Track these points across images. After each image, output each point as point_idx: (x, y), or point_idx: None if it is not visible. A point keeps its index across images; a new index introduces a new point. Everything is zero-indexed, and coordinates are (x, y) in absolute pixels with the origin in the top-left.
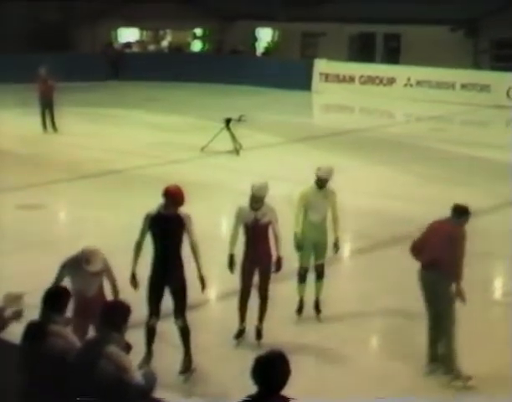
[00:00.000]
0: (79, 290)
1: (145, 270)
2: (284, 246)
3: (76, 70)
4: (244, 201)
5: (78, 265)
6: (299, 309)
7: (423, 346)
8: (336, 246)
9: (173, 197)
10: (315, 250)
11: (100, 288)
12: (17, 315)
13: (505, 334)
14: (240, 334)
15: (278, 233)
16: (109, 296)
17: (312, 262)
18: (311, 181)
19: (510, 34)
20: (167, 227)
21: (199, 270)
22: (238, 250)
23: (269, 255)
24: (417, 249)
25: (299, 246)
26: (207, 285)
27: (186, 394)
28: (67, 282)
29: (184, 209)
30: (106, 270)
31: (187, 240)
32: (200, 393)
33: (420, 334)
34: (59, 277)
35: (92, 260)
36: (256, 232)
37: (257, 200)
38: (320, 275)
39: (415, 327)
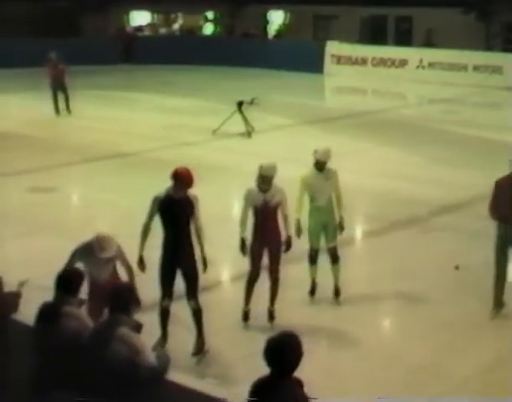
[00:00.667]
0: (92, 275)
1: (155, 252)
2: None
3: (89, 54)
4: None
5: (90, 251)
6: (312, 291)
7: (435, 327)
8: (341, 226)
9: (183, 179)
10: (325, 233)
11: (113, 272)
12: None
13: None
14: (246, 316)
15: (287, 213)
16: (124, 279)
17: (324, 245)
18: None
19: None
20: (177, 209)
21: (202, 251)
22: (247, 232)
23: (279, 236)
24: (491, 208)
25: (299, 232)
26: (219, 266)
27: (199, 376)
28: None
29: (193, 191)
30: (119, 256)
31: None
32: (212, 374)
33: (431, 315)
34: (70, 264)
35: (106, 246)
36: (265, 214)
37: (265, 181)
38: (334, 258)
39: (427, 308)
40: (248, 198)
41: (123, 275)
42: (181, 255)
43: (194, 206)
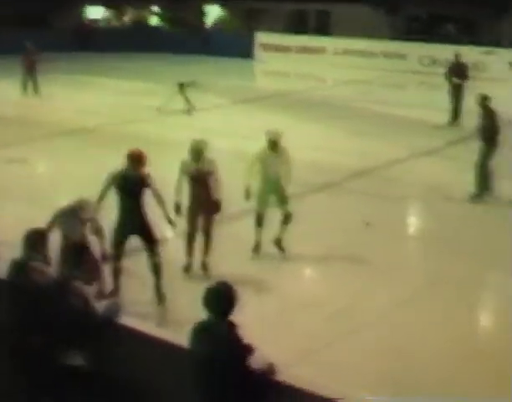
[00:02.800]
0: (66, 234)
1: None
2: (232, 192)
3: (52, 43)
4: None
5: (68, 213)
6: (256, 248)
7: (350, 274)
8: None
9: (137, 159)
10: (276, 199)
11: (84, 234)
12: None
13: (418, 260)
14: (187, 268)
15: (217, 180)
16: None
17: (275, 209)
18: (254, 136)
19: (422, 12)
20: (131, 185)
21: (167, 214)
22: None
23: (210, 200)
24: None
25: (248, 195)
26: (165, 225)
27: (147, 320)
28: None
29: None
30: (94, 219)
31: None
32: (159, 318)
33: (346, 265)
34: (51, 224)
35: (86, 208)
36: (198, 181)
37: (196, 154)
38: (287, 220)
39: (342, 259)
40: (182, 168)
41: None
42: (134, 223)
43: (146, 181)
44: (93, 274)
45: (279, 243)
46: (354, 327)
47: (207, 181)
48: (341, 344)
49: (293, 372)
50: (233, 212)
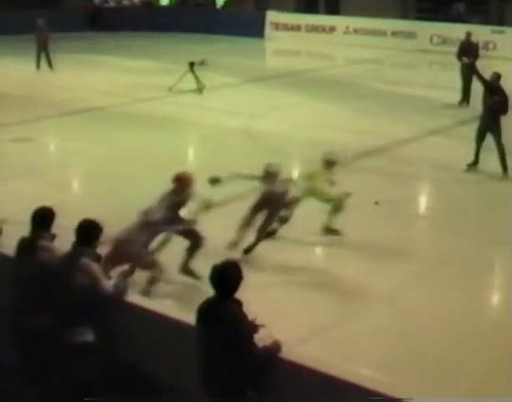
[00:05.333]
0: None
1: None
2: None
3: (62, 23)
4: (206, 132)
5: None
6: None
7: (358, 254)
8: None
9: (184, 181)
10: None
11: None
12: None
13: (426, 239)
14: (233, 245)
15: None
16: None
17: None
18: (264, 114)
19: None
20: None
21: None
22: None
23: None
24: None
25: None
26: None
27: (157, 298)
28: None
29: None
30: None
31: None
32: (169, 296)
33: (355, 245)
34: None
35: None
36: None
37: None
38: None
39: (351, 238)
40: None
41: None
42: None
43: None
44: None
45: (329, 230)
46: (361, 305)
47: (280, 200)
48: (348, 323)
49: (298, 350)
50: (243, 191)
